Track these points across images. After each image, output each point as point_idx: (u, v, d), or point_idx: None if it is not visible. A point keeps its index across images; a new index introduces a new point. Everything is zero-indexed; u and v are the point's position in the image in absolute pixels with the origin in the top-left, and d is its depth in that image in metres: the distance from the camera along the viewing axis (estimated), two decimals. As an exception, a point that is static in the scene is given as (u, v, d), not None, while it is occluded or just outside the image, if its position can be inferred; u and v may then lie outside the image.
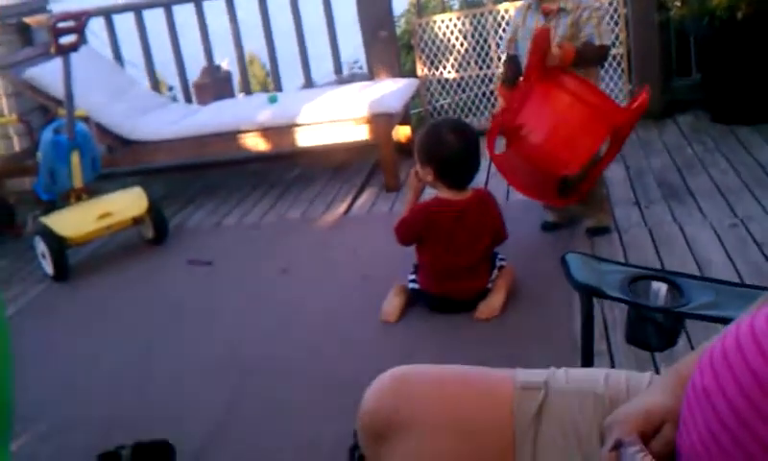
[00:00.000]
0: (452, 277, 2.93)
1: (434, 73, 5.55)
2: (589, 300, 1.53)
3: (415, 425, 1.23)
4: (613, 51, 5.23)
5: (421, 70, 5.55)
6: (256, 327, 3.13)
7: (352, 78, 6.17)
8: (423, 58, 5.55)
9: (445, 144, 2.89)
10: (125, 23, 5.85)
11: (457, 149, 2.89)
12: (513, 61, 3.49)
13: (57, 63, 4.14)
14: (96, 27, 5.63)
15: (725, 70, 4.64)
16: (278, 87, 5.87)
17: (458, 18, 5.47)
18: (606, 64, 5.27)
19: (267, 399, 2.61)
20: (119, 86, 5.29)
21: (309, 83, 5.87)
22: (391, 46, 5.45)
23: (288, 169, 5.25)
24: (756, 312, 0.95)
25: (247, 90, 6.21)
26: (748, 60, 4.46)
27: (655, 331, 1.51)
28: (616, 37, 5.15)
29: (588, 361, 1.57)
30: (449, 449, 1.21)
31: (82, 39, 4.21)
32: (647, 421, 1.04)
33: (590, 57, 3.26)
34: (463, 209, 2.92)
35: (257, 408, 2.56)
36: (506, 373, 1.29)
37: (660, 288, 1.52)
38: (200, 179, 5.35)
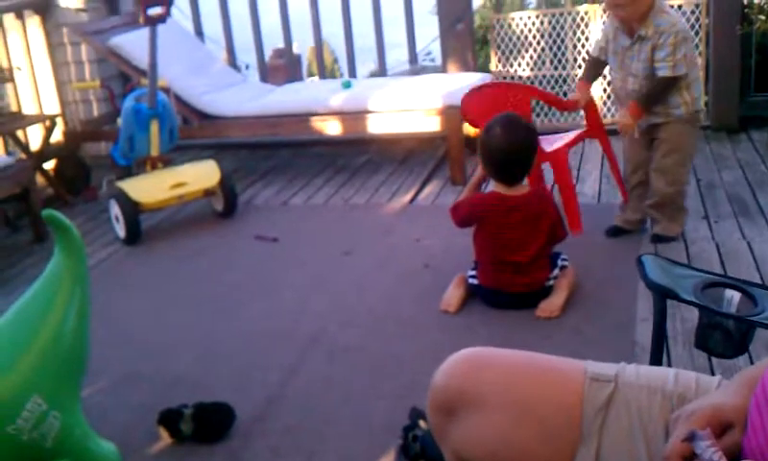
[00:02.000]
0: (507, 271, 2.95)
1: (508, 70, 5.55)
2: (663, 301, 1.55)
3: (484, 404, 1.27)
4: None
5: (496, 66, 5.55)
6: (317, 304, 3.19)
7: (424, 70, 6.21)
8: (498, 54, 5.54)
9: (492, 139, 2.92)
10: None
11: (501, 144, 2.90)
12: (598, 65, 3.55)
13: (142, 34, 4.27)
14: (180, 1, 5.77)
15: (806, 89, 4.55)
16: (352, 73, 5.93)
17: (536, 16, 5.45)
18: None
19: (325, 371, 2.67)
20: (199, 61, 5.41)
21: (383, 70, 5.92)
22: (467, 39, 5.46)
23: (357, 155, 5.31)
24: None
25: (321, 75, 6.29)
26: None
27: (724, 338, 1.52)
28: (696, 47, 5.07)
29: (656, 361, 1.58)
30: (516, 430, 1.24)
31: (168, 12, 4.32)
32: (717, 418, 1.05)
33: (655, 95, 3.25)
34: (516, 205, 2.93)
35: (313, 381, 2.62)
36: (577, 363, 1.32)
37: (734, 296, 1.53)
38: (270, 157, 5.46)
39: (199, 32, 6.02)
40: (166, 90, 4.41)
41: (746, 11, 4.67)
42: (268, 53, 6.87)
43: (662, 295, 1.53)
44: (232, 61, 6.13)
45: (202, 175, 4.23)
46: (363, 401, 2.47)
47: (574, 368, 1.30)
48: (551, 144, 3.53)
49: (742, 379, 1.14)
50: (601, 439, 1.22)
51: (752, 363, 2.22)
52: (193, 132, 5.12)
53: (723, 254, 3.26)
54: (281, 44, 6.29)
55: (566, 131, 3.88)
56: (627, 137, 3.46)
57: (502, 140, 2.90)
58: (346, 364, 2.71)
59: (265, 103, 5.03)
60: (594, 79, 3.69)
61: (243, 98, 5.12)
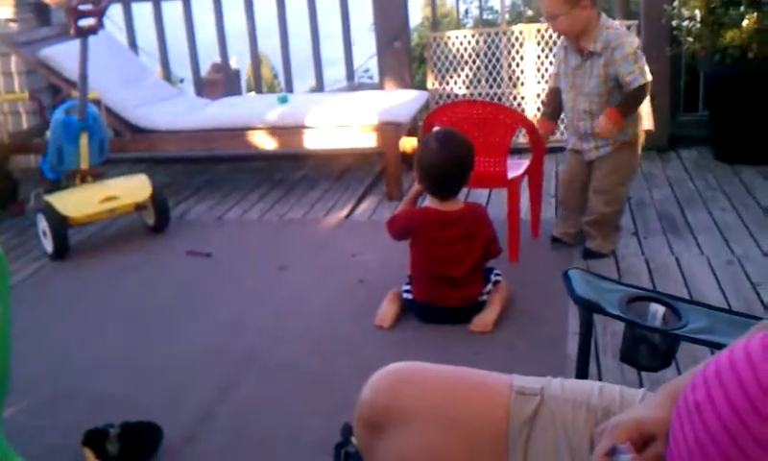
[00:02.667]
0: (441, 285, 2.96)
1: (444, 88, 5.59)
2: (589, 315, 1.57)
3: (411, 419, 1.26)
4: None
5: (432, 84, 5.59)
6: (252, 321, 3.15)
7: (361, 86, 6.23)
8: (435, 71, 5.59)
9: (427, 153, 2.95)
10: (141, 12, 5.90)
11: (436, 159, 2.92)
12: (555, 95, 3.59)
13: (72, 45, 4.18)
14: (113, 13, 5.68)
15: (732, 109, 4.70)
16: (289, 89, 5.91)
17: (472, 35, 5.51)
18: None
19: (258, 390, 2.63)
20: (132, 74, 5.33)
21: (320, 86, 5.91)
22: (404, 57, 5.50)
23: (293, 170, 5.28)
24: (751, 337, 0.98)
25: (258, 90, 6.25)
26: (756, 100, 4.52)
27: (649, 352, 1.55)
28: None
29: (582, 374, 1.60)
30: (444, 445, 1.23)
31: (100, 23, 4.24)
32: (639, 431, 1.06)
33: (633, 105, 3.32)
34: (450, 220, 2.95)
35: (248, 399, 2.58)
36: (503, 377, 1.32)
37: (658, 310, 1.55)
38: (204, 172, 5.39)
39: (133, 44, 5.93)
40: (97, 102, 4.32)
41: (675, 32, 4.80)
42: (206, 67, 6.81)
43: (588, 309, 1.55)
44: (167, 75, 6.04)
45: (132, 189, 4.14)
46: (296, 420, 2.43)
47: (501, 382, 1.30)
48: (511, 170, 3.50)
49: (665, 392, 1.15)
50: (527, 452, 1.22)
51: (679, 374, 2.26)
52: (125, 145, 5.02)
53: (652, 270, 3.33)
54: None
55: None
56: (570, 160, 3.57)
57: (437, 155, 2.92)
58: (279, 382, 2.67)
59: (200, 117, 4.97)
60: (558, 113, 3.67)
61: (177, 111, 5.05)
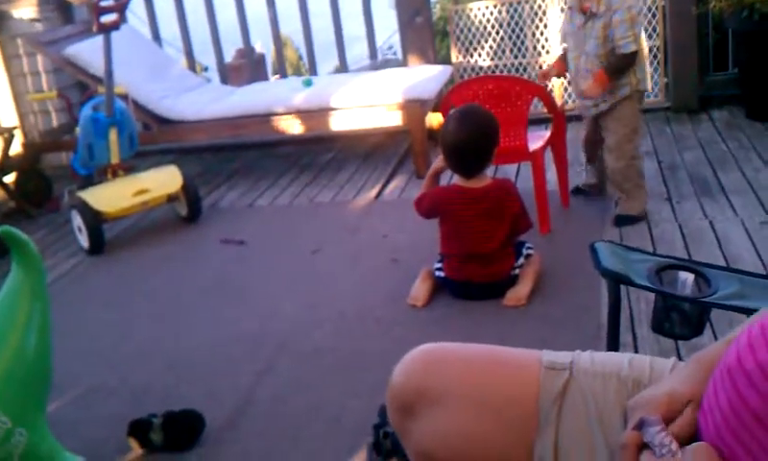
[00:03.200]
0: (472, 262, 2.96)
1: (468, 61, 5.56)
2: (617, 287, 1.56)
3: (442, 400, 1.27)
4: (650, 43, 5.20)
5: (456, 57, 5.56)
6: (287, 305, 3.18)
7: (386, 64, 6.21)
8: (458, 45, 5.55)
9: (448, 132, 2.94)
10: (163, 4, 5.93)
11: (457, 137, 2.91)
12: (564, 60, 3.63)
13: (97, 41, 4.22)
14: (136, 6, 5.72)
15: (762, 66, 4.60)
16: (313, 71, 5.92)
17: (494, 6, 5.46)
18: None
19: (295, 374, 2.66)
20: (157, 65, 5.37)
21: (344, 67, 5.91)
22: (426, 32, 5.47)
23: (321, 153, 5.30)
24: None
25: (282, 73, 6.26)
26: (786, 56, 4.43)
27: (681, 320, 1.54)
28: (654, 30, 5.12)
29: (613, 346, 1.60)
30: (476, 424, 1.24)
31: (122, 18, 4.28)
32: (670, 404, 1.06)
33: (621, 69, 3.35)
34: (476, 197, 2.94)
35: (285, 383, 2.61)
36: (533, 353, 1.32)
37: (688, 278, 1.54)
38: (234, 159, 5.43)
39: (156, 36, 5.97)
40: (124, 97, 4.37)
41: (700, -9, 4.72)
42: (231, 53, 6.84)
43: (616, 281, 1.54)
44: (191, 65, 6.08)
45: (164, 180, 4.19)
46: (333, 402, 2.46)
47: (530, 358, 1.30)
48: (531, 141, 3.50)
49: (695, 363, 1.15)
50: (558, 427, 1.22)
51: (716, 339, 2.24)
52: (154, 137, 5.08)
53: (686, 235, 3.30)
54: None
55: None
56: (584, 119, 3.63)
57: (455, 133, 2.91)
58: (316, 366, 2.71)
59: (225, 105, 5.00)
60: (562, 73, 3.79)
61: (203, 101, 5.09)
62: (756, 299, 1.45)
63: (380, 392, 2.36)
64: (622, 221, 3.47)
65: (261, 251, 3.80)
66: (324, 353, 2.77)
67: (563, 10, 5.24)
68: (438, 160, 3.11)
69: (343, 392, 2.50)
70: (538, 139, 3.58)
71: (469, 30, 5.52)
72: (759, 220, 3.32)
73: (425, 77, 4.88)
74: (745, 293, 1.51)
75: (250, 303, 3.26)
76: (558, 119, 3.60)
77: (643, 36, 3.37)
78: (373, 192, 4.42)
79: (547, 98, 3.51)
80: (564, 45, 3.64)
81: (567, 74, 3.72)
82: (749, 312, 1.31)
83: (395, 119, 4.59)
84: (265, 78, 7.07)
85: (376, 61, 6.00)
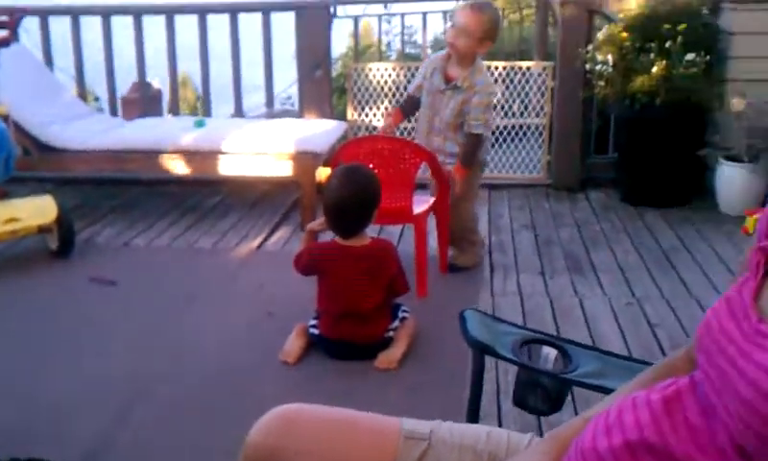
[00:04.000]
0: (347, 321, 2.94)
1: (363, 119, 5.63)
2: (481, 357, 1.57)
3: (296, 463, 1.24)
4: (536, 121, 5.42)
5: (351, 114, 5.62)
6: (153, 352, 3.07)
7: (283, 113, 6.20)
8: (355, 102, 5.62)
9: (329, 190, 2.95)
10: (60, 27, 5.76)
11: (337, 197, 2.91)
12: (412, 102, 3.85)
13: (-18, 57, 4.04)
14: (31, 26, 5.52)
15: (638, 153, 4.86)
16: (208, 113, 5.85)
17: (393, 68, 5.57)
18: (528, 133, 5.50)
19: (155, 425, 2.56)
20: (45, 90, 5.18)
21: (239, 112, 5.87)
22: (325, 87, 5.51)
23: (207, 196, 5.21)
24: (638, 391, 1.02)
25: (175, 111, 6.16)
26: (661, 145, 4.69)
27: (541, 395, 1.56)
28: (542, 109, 5.34)
29: (473, 417, 1.60)
30: (328, 490, 1.22)
31: (14, 36, 4.11)
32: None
33: (472, 151, 3.63)
34: (356, 256, 2.94)
35: (142, 436, 2.50)
36: (393, 421, 1.32)
37: (550, 353, 1.57)
38: (115, 195, 5.25)
39: (49, 60, 5.76)
40: (5, 118, 4.18)
41: (588, 76, 4.95)
42: (128, 87, 6.67)
43: (481, 351, 1.56)
44: (83, 93, 5.90)
45: (36, 210, 4.00)
46: (193, 454, 2.37)
47: (389, 425, 1.29)
48: (416, 205, 3.57)
49: (552, 440, 1.17)
50: (412, 498, 1.21)
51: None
52: (33, 163, 4.85)
53: (556, 310, 3.39)
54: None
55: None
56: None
57: (337, 192, 2.91)
58: (178, 417, 2.61)
59: (112, 137, 4.85)
60: (410, 114, 3.97)
61: (90, 131, 4.92)
62: (614, 378, 1.49)
63: (239, 450, 2.31)
64: (454, 269, 3.76)
65: (132, 293, 3.67)
66: (187, 405, 2.67)
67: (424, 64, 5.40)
68: (317, 222, 3.11)
69: (203, 446, 2.41)
70: (422, 203, 3.63)
71: (367, 89, 5.60)
72: (625, 301, 3.46)
73: (319, 130, 4.89)
74: (605, 372, 1.54)
75: (114, 347, 3.12)
76: (442, 186, 3.66)
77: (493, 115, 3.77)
78: (256, 242, 4.37)
79: (435, 164, 3.58)
80: (412, 93, 3.86)
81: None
82: (607, 391, 1.34)
83: (285, 169, 4.57)
84: (159, 115, 6.93)
85: (273, 110, 5.98)
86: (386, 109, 5.29)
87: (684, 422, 0.92)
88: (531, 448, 1.24)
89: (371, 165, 3.24)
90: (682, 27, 4.50)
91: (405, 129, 5.55)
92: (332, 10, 5.50)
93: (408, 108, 3.91)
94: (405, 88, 5.49)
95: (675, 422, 0.93)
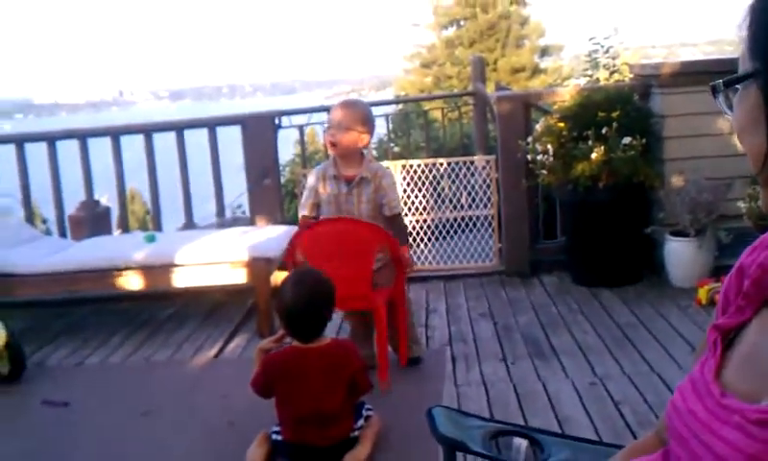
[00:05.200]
0: (309, 425, 2.88)
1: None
2: (453, 454, 1.56)
3: None
4: (484, 212, 5.52)
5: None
6: (113, 474, 2.97)
7: (234, 221, 6.21)
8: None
9: (283, 295, 2.93)
10: (3, 153, 5.74)
11: (291, 301, 2.88)
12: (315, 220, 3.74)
13: None
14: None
15: (587, 235, 4.96)
16: (158, 226, 5.83)
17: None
18: (478, 224, 5.58)
19: None
20: (-9, 217, 5.12)
21: (190, 223, 5.86)
22: (274, 194, 5.55)
23: (160, 309, 5.13)
24: None
25: (125, 228, 6.12)
26: (608, 226, 4.79)
27: (515, 486, 1.54)
28: (489, 200, 5.44)
29: (447, 516, 1.57)
30: None
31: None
32: None
33: (402, 229, 3.78)
34: (315, 356, 2.90)
35: None
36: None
37: (521, 444, 1.56)
38: (66, 315, 5.14)
39: (-7, 187, 5.72)
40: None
41: (530, 166, 5.07)
42: (75, 206, 6.63)
43: (452, 448, 1.54)
44: (30, 216, 5.85)
45: (-15, 337, 3.90)
46: None
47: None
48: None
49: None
50: None
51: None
52: (-21, 290, 4.76)
53: (520, 396, 3.38)
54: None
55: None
56: None
57: (291, 298, 2.89)
58: None
59: (61, 258, 4.78)
60: None
61: (37, 254, 4.85)
62: (585, 464, 1.49)
63: None
64: (415, 362, 3.76)
65: (87, 413, 3.56)
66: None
67: (404, 178, 5.50)
68: (266, 341, 3.05)
69: None
70: (380, 290, 3.62)
71: (317, 192, 5.64)
72: (588, 381, 3.47)
73: (271, 236, 4.90)
74: (577, 459, 1.54)
75: (72, 472, 3.01)
76: (400, 270, 3.66)
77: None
78: (213, 351, 4.30)
79: (394, 246, 3.58)
80: (308, 214, 3.71)
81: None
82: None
83: (239, 277, 4.55)
84: (108, 232, 6.87)
85: (224, 220, 5.99)
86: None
87: None
88: None
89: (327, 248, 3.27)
90: (616, 113, 4.66)
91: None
92: (277, 121, 5.60)
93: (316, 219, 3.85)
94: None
95: None
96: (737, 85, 0.87)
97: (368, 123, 3.65)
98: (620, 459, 1.18)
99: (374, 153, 6.09)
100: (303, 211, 3.78)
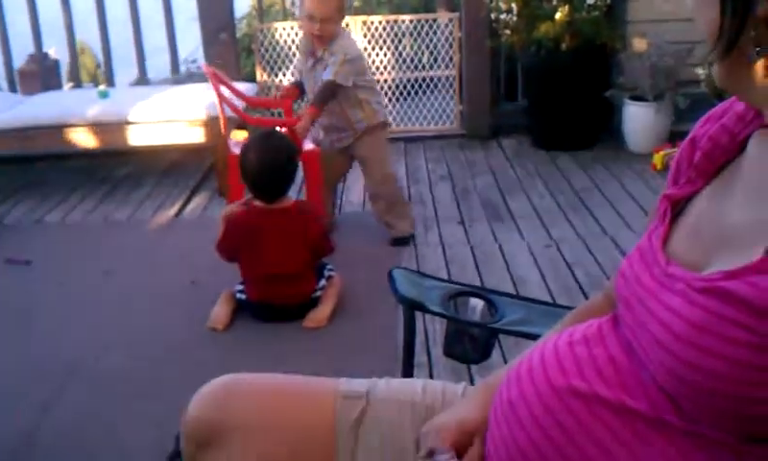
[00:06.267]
0: (272, 283, 2.95)
1: (273, 79, 5.56)
2: (412, 313, 1.61)
3: (238, 433, 1.25)
4: (446, 73, 5.47)
5: (261, 75, 5.54)
6: (75, 331, 3.01)
7: (190, 77, 6.07)
8: (263, 63, 5.54)
9: (247, 159, 2.97)
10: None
11: (256, 163, 2.94)
12: (298, 86, 3.83)
13: None
14: None
15: (547, 98, 4.96)
16: (111, 82, 5.68)
17: (299, 27, 5.49)
18: (439, 85, 5.54)
19: (85, 404, 2.52)
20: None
21: (144, 79, 5.71)
22: (230, 49, 5.41)
23: (117, 167, 5.08)
24: (560, 334, 1.05)
25: (76, 81, 5.95)
26: (569, 89, 4.80)
27: (470, 345, 1.61)
28: (450, 60, 5.38)
29: (408, 372, 1.64)
30: (272, 456, 1.23)
31: None
32: (459, 432, 1.11)
33: (325, 97, 3.51)
34: (277, 218, 2.96)
35: (73, 415, 2.46)
36: (330, 382, 1.33)
37: (477, 304, 1.62)
38: (22, 172, 5.06)
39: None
40: None
41: (494, 25, 5.00)
42: (24, 59, 6.40)
43: (411, 307, 1.59)
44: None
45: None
46: (126, 432, 2.35)
47: (326, 386, 1.31)
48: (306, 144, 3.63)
49: (483, 387, 1.21)
50: (355, 455, 1.24)
51: (506, 362, 2.37)
52: (-69, 147, 4.65)
53: (477, 257, 3.47)
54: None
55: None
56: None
57: (255, 160, 2.93)
58: (108, 393, 2.57)
59: (14, 114, 4.66)
60: (303, 92, 3.87)
61: (-12, 110, 4.72)
62: (539, 325, 1.54)
63: (175, 420, 2.30)
64: (397, 242, 3.65)
65: (49, 271, 3.57)
66: (116, 380, 2.64)
67: (365, 35, 5.39)
68: (229, 208, 3.08)
69: (137, 420, 2.40)
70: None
71: (274, 49, 5.52)
72: (543, 243, 3.56)
73: (229, 94, 4.80)
74: (530, 319, 1.60)
75: (34, 328, 3.05)
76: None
77: (370, 78, 3.75)
78: (173, 210, 4.30)
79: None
80: (297, 79, 3.88)
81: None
82: (533, 337, 1.39)
83: (197, 136, 4.49)
84: (58, 85, 6.66)
85: (180, 76, 5.85)
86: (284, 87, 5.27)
87: (609, 359, 0.95)
88: (466, 397, 1.28)
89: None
90: (581, -29, 4.59)
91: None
92: (233, -29, 5.39)
93: (296, 95, 3.91)
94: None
95: (598, 360, 0.96)
96: None
97: (341, 7, 3.57)
98: (571, 319, 1.21)
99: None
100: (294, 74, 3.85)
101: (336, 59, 3.49)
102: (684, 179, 1.00)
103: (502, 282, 3.17)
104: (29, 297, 3.33)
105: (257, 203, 3.00)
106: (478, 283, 3.18)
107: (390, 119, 3.82)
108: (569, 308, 1.51)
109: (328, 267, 3.14)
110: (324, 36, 3.50)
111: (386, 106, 3.87)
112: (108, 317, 3.12)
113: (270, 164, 2.93)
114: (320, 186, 3.65)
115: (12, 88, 5.70)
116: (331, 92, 3.51)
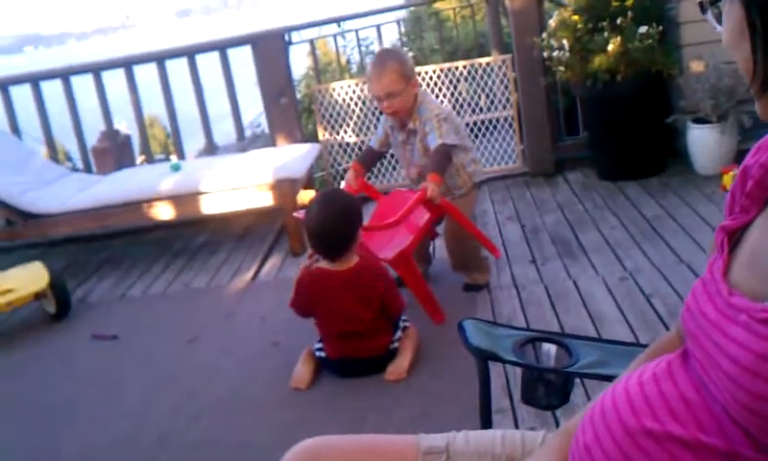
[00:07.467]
0: (347, 340, 3.00)
1: (335, 137, 5.68)
2: (485, 363, 1.63)
3: (326, 497, 1.29)
4: (504, 113, 5.50)
5: (322, 134, 5.68)
6: (165, 400, 3.11)
7: (255, 140, 6.25)
8: (324, 122, 5.67)
9: (310, 217, 3.00)
10: (20, 92, 5.78)
11: (318, 221, 2.96)
12: (374, 155, 3.88)
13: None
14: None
15: (609, 129, 4.93)
16: (180, 151, 5.88)
17: (356, 84, 5.63)
18: (498, 126, 5.57)
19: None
20: (17, 159, 5.21)
21: (211, 146, 5.91)
22: (291, 112, 5.55)
23: (193, 236, 5.25)
24: (630, 374, 1.07)
25: (147, 154, 6.19)
26: (629, 118, 4.76)
27: (547, 391, 1.62)
28: (507, 101, 5.42)
29: (486, 422, 1.66)
30: (360, 518, 1.27)
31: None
32: (539, 480, 1.13)
33: (443, 163, 3.44)
34: (343, 279, 2.98)
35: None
36: (411, 439, 1.36)
37: (551, 349, 1.63)
38: (103, 249, 5.29)
39: (15, 128, 5.79)
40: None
41: (546, 63, 5.02)
42: (96, 136, 6.71)
43: (484, 357, 1.62)
44: (53, 154, 5.94)
45: (29, 278, 4.04)
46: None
47: (407, 444, 1.34)
48: (392, 247, 3.44)
49: (562, 434, 1.22)
50: (440, 511, 1.27)
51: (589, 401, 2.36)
52: (17, 232, 4.91)
53: (552, 296, 3.45)
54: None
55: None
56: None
57: (317, 218, 2.96)
58: (202, 459, 2.65)
59: (91, 195, 4.88)
60: (369, 166, 3.96)
61: (67, 193, 4.96)
62: (615, 365, 1.55)
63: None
64: (469, 288, 3.66)
65: (135, 344, 3.71)
66: (206, 448, 2.72)
67: (421, 85, 5.47)
68: (305, 262, 3.13)
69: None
70: (399, 242, 3.48)
71: (333, 107, 5.66)
72: (618, 276, 3.53)
73: (294, 156, 4.94)
74: (605, 360, 1.61)
75: (125, 401, 3.16)
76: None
77: (465, 138, 3.64)
78: (250, 274, 4.41)
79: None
80: (376, 147, 3.82)
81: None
82: (608, 378, 1.40)
83: (266, 199, 4.62)
84: (131, 159, 6.95)
85: (245, 142, 6.03)
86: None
87: (680, 396, 0.95)
88: (544, 445, 1.29)
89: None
90: (630, 2, 4.58)
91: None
92: (287, 37, 5.56)
93: (369, 160, 3.90)
94: (371, 101, 5.53)
95: (668, 398, 0.96)
96: (720, 1, 0.89)
97: (408, 71, 3.47)
98: (644, 358, 1.22)
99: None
100: (372, 144, 3.85)
101: (432, 123, 3.43)
102: (738, 208, 1.02)
103: (580, 320, 3.15)
104: (117, 370, 3.46)
105: (322, 262, 3.06)
106: (555, 323, 3.17)
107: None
108: (644, 346, 1.52)
109: (403, 318, 3.17)
110: (397, 110, 3.49)
111: (479, 162, 3.82)
112: (194, 385, 3.21)
113: (330, 223, 2.96)
114: (421, 283, 3.48)
115: (87, 167, 5.96)
116: (446, 155, 3.45)
